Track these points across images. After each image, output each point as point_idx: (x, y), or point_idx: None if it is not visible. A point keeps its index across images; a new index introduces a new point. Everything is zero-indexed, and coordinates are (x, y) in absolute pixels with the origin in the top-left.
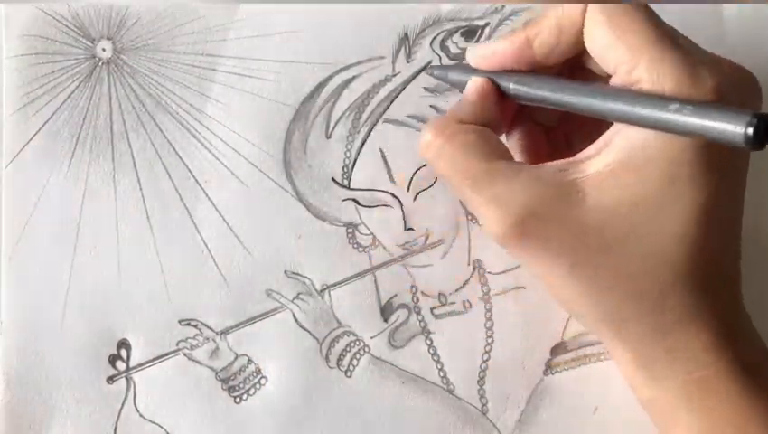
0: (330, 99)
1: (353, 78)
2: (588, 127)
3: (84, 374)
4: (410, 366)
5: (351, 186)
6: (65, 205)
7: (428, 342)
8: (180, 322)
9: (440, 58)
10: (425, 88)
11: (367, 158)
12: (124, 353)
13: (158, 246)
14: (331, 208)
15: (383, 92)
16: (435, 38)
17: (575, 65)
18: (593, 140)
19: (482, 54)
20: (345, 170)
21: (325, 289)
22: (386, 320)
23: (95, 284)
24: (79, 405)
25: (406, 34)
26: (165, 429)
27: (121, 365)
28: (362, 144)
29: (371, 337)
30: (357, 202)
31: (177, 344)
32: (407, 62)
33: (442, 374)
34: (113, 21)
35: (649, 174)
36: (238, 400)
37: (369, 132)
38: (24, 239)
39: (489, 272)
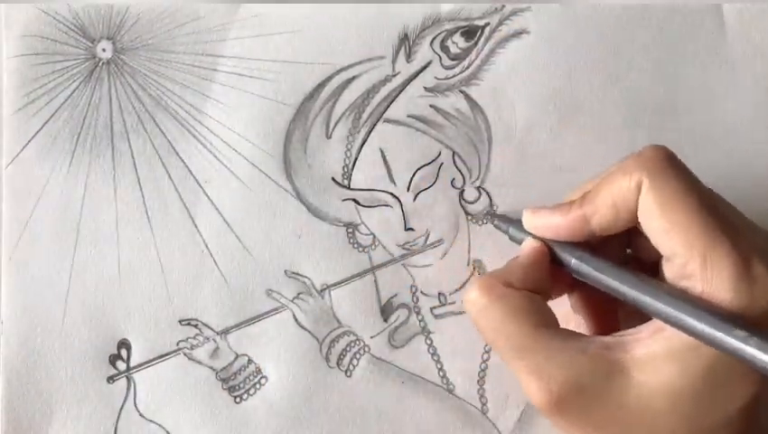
0: (330, 99)
1: (353, 78)
2: None
3: (84, 374)
4: (410, 366)
5: (351, 186)
6: (65, 205)
7: (428, 342)
8: (180, 322)
9: (440, 58)
10: (425, 88)
11: (367, 158)
12: (124, 352)
13: (158, 246)
14: (331, 208)
15: (383, 92)
16: (435, 38)
17: (632, 230)
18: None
19: (537, 225)
20: (345, 170)
21: (325, 289)
22: (386, 320)
23: (95, 284)
24: (79, 405)
25: (406, 34)
26: (166, 429)
27: (121, 365)
28: (362, 144)
29: (371, 337)
30: (357, 202)
31: (177, 344)
32: (407, 62)
33: (442, 374)
34: (113, 21)
35: (695, 366)
36: (238, 399)
37: (370, 132)
38: (25, 238)
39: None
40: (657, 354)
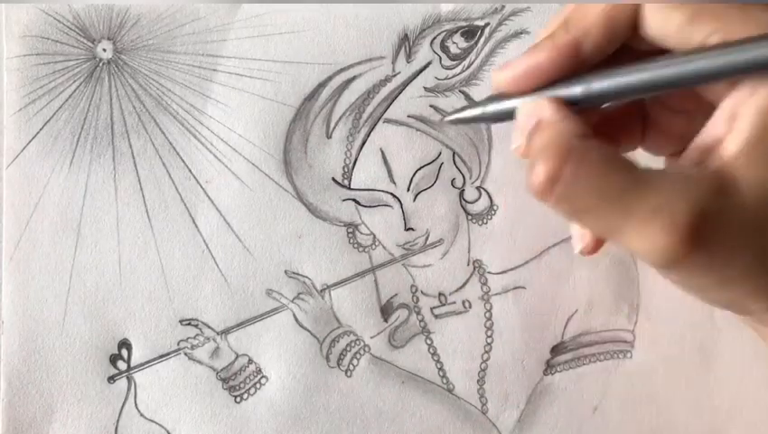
0: (330, 99)
1: (353, 78)
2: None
3: (85, 374)
4: (410, 366)
5: (352, 186)
6: (66, 205)
7: (428, 342)
8: (180, 322)
9: (440, 58)
10: (425, 88)
11: (367, 158)
12: (125, 352)
13: (159, 246)
14: (331, 208)
15: (383, 92)
16: (435, 38)
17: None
18: (685, 112)
19: (515, 75)
20: (345, 170)
21: (325, 289)
22: (386, 320)
23: (96, 284)
24: (79, 404)
25: (406, 34)
26: (166, 429)
27: (122, 365)
28: (362, 144)
29: (371, 337)
30: (357, 202)
31: (178, 344)
32: (407, 62)
33: (442, 374)
34: (113, 21)
35: None
36: (238, 399)
37: (370, 132)
38: (25, 239)
39: (489, 272)
40: (749, 143)
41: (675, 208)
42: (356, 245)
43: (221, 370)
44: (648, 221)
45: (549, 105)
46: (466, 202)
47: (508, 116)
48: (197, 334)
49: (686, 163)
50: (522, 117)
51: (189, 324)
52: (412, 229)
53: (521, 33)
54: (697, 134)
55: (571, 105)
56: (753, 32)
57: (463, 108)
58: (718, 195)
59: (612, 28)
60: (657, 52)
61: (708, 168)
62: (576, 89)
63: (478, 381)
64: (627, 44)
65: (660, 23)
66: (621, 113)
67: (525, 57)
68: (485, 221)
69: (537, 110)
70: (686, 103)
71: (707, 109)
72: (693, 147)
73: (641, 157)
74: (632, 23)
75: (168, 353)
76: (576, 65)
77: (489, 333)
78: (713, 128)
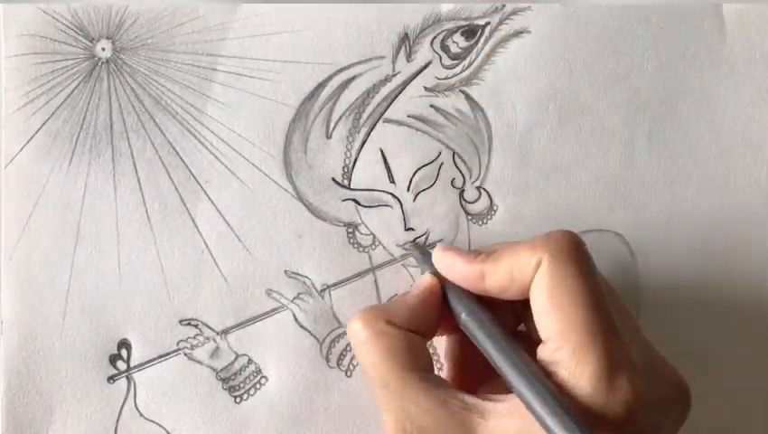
0: (330, 99)
1: (353, 78)
2: None
3: (85, 374)
4: None
5: (352, 186)
6: (65, 205)
7: (428, 342)
8: (180, 321)
9: (440, 57)
10: (425, 87)
11: (367, 158)
12: (124, 352)
13: (158, 246)
14: (331, 208)
15: (383, 92)
16: (435, 38)
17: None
18: None
19: (444, 263)
20: (345, 170)
21: (325, 289)
22: None
23: (95, 284)
24: (79, 405)
25: (406, 34)
26: (166, 429)
27: (122, 365)
28: (362, 144)
29: None
30: (357, 202)
31: (177, 344)
32: (407, 62)
33: (442, 374)
34: (112, 20)
35: None
36: (238, 399)
37: (370, 132)
38: (24, 239)
39: None
40: (506, 431)
41: (410, 417)
42: (356, 245)
43: (221, 370)
44: (388, 413)
45: (422, 291)
46: (466, 202)
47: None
48: (197, 334)
49: (464, 398)
50: (413, 290)
51: (189, 324)
52: (412, 229)
53: (522, 33)
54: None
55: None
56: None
57: (419, 247)
58: None
59: (510, 279)
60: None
61: (467, 416)
62: (460, 312)
63: None
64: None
65: (532, 299)
66: None
67: (456, 255)
68: (485, 221)
69: (422, 290)
70: None
71: None
72: (485, 397)
73: None
74: (526, 287)
75: (168, 353)
76: (482, 290)
77: None
78: (502, 397)
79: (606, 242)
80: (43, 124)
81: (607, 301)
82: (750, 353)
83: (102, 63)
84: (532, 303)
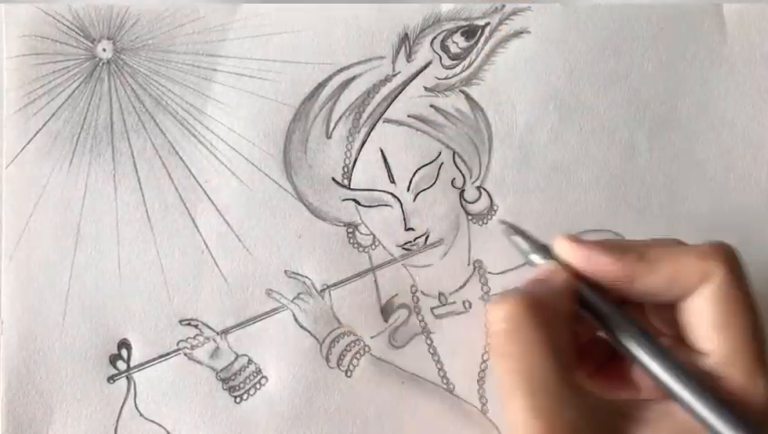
0: (330, 99)
1: (353, 78)
2: None
3: (85, 374)
4: (410, 366)
5: (352, 186)
6: (66, 205)
7: (428, 342)
8: (180, 322)
9: (440, 58)
10: (425, 87)
11: (367, 158)
12: (124, 352)
13: (158, 246)
14: (331, 208)
15: (383, 92)
16: (435, 38)
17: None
18: None
19: (579, 254)
20: (345, 170)
21: (325, 289)
22: (386, 320)
23: (95, 284)
24: (79, 405)
25: (406, 34)
26: (166, 429)
27: (122, 365)
28: (362, 144)
29: (371, 337)
30: (357, 202)
31: (177, 344)
32: (407, 62)
33: (442, 374)
34: (113, 21)
35: None
36: (238, 399)
37: (370, 132)
38: (25, 238)
39: (489, 272)
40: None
41: (561, 419)
42: (356, 245)
43: (221, 370)
44: (532, 411)
45: (566, 288)
46: (466, 202)
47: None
48: (197, 334)
49: (611, 404)
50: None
51: (189, 324)
52: (412, 229)
53: (522, 33)
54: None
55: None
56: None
57: (519, 233)
58: None
59: (670, 285)
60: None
61: (616, 421)
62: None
63: (478, 381)
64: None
65: (694, 312)
66: None
67: (597, 249)
68: (485, 221)
69: (556, 274)
70: None
71: None
72: (631, 404)
73: None
74: (689, 294)
75: (168, 353)
76: (624, 289)
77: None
78: (650, 405)
79: None
80: (44, 124)
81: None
82: None
83: (103, 64)
84: (693, 312)
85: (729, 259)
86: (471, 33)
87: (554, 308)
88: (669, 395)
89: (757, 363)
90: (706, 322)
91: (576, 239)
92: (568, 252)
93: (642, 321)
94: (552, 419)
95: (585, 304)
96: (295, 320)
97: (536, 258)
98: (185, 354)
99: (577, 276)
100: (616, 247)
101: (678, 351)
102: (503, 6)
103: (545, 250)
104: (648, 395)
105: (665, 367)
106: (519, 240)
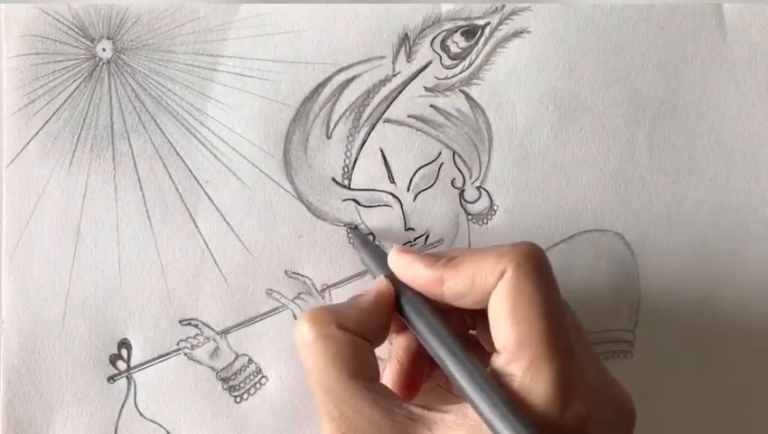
0: (330, 99)
1: (353, 78)
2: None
3: (85, 374)
4: None
5: (352, 186)
6: (66, 205)
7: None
8: (180, 321)
9: (440, 58)
10: (425, 87)
11: (367, 158)
12: (124, 352)
13: (159, 246)
14: (331, 208)
15: (383, 92)
16: (435, 38)
17: (480, 313)
18: None
19: (399, 265)
20: (345, 170)
21: (325, 289)
22: None
23: (95, 284)
24: (79, 405)
25: (406, 34)
26: (166, 429)
27: (122, 365)
28: (362, 144)
29: None
30: (357, 202)
31: (178, 344)
32: (407, 62)
33: (349, 237)
34: (113, 21)
35: None
36: (238, 399)
37: (370, 132)
38: (25, 239)
39: None
40: None
41: (352, 427)
42: (356, 245)
43: (221, 370)
44: (330, 421)
45: (377, 295)
46: (466, 202)
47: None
48: (197, 334)
49: (409, 409)
50: (367, 295)
51: (189, 324)
52: (412, 229)
53: (522, 33)
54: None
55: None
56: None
57: (363, 237)
58: None
59: (470, 286)
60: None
61: (413, 428)
62: (403, 302)
63: None
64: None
65: (490, 309)
66: None
67: (414, 258)
68: (485, 221)
69: (376, 295)
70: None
71: None
72: (430, 408)
73: None
74: (487, 295)
75: (168, 353)
76: (438, 295)
77: None
78: (450, 408)
79: (606, 242)
80: (44, 124)
81: (567, 318)
82: (750, 353)
83: (103, 64)
84: (490, 312)
85: (522, 255)
86: (471, 32)
87: (342, 322)
88: (463, 396)
89: (539, 365)
90: (499, 319)
91: (403, 250)
92: (394, 263)
93: (460, 329)
94: (341, 423)
95: (402, 311)
96: (295, 320)
97: (375, 269)
98: (185, 354)
99: (400, 284)
100: (431, 255)
101: (478, 353)
102: (503, 6)
103: (383, 261)
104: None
105: (457, 367)
106: (363, 255)
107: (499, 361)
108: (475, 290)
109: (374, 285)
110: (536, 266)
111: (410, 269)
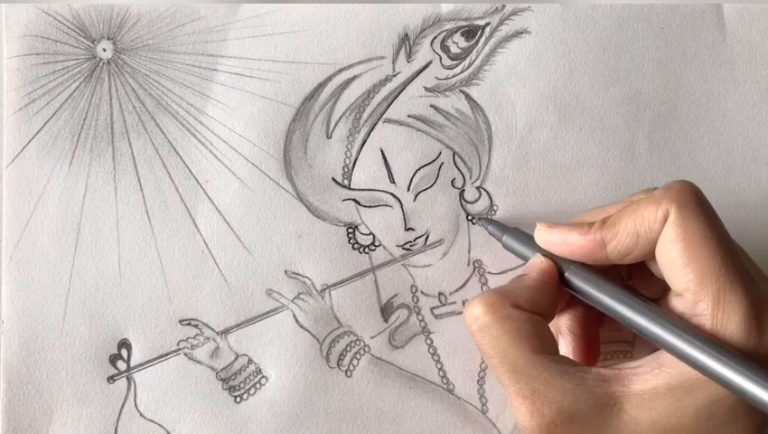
0: (330, 99)
1: (353, 78)
2: None
3: (85, 374)
4: (410, 366)
5: (352, 186)
6: (66, 205)
7: (428, 342)
8: (180, 322)
9: (440, 58)
10: (425, 88)
11: (367, 158)
12: (124, 352)
13: (159, 246)
14: (331, 208)
15: (383, 92)
16: (435, 38)
17: (635, 264)
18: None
19: (552, 240)
20: (345, 170)
21: (325, 289)
22: (386, 320)
23: (95, 284)
24: (79, 405)
25: (406, 34)
26: (166, 429)
27: (122, 365)
28: (362, 144)
29: (371, 337)
30: (357, 202)
31: (178, 344)
32: (407, 62)
33: (442, 374)
34: (113, 21)
35: (690, 405)
36: (238, 399)
37: (370, 132)
38: (25, 239)
39: (489, 272)
40: (655, 391)
41: (548, 400)
42: (356, 245)
43: (221, 370)
44: (523, 398)
45: (540, 271)
46: (466, 202)
47: (517, 253)
48: (197, 334)
49: (598, 372)
50: (529, 270)
51: (189, 324)
52: (412, 229)
53: (522, 33)
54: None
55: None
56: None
57: (492, 222)
58: (596, 411)
59: (636, 239)
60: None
61: (608, 388)
62: (566, 270)
63: (478, 381)
64: (651, 268)
65: (660, 255)
66: None
67: (566, 230)
68: (479, 223)
69: (538, 271)
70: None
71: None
72: (619, 367)
73: None
74: (655, 242)
75: (168, 353)
76: (602, 260)
77: None
78: (640, 361)
79: None
80: (44, 124)
81: (737, 247)
82: None
83: (103, 64)
84: (661, 257)
85: (681, 195)
86: (471, 33)
87: (516, 302)
88: (659, 346)
89: (728, 297)
90: (673, 262)
91: (549, 226)
92: (545, 240)
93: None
94: (534, 399)
95: (570, 284)
96: (295, 320)
97: (527, 252)
98: (185, 354)
99: (560, 260)
100: (583, 223)
101: (656, 304)
102: (503, 6)
103: (531, 242)
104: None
105: (650, 320)
106: (507, 240)
107: (683, 303)
108: (641, 243)
109: (530, 266)
110: (697, 202)
111: (565, 242)
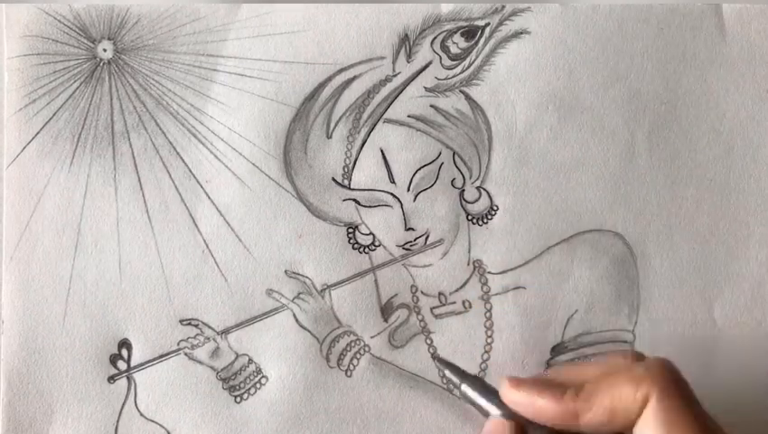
0: (330, 99)
1: (354, 78)
2: None
3: (85, 374)
4: (410, 366)
5: (352, 186)
6: (66, 205)
7: (428, 342)
8: (181, 321)
9: (440, 58)
10: (425, 88)
11: (367, 158)
12: (125, 352)
13: (159, 246)
14: (331, 208)
15: (383, 92)
16: (435, 38)
17: None
18: None
19: (519, 401)
20: (345, 170)
21: (326, 289)
22: (386, 320)
23: (96, 284)
24: (80, 404)
25: (406, 34)
26: (166, 429)
27: (122, 365)
28: (363, 144)
29: (371, 337)
30: (357, 202)
31: (178, 344)
32: (407, 62)
33: (442, 374)
34: (114, 21)
35: None
36: (238, 399)
37: (370, 132)
38: (26, 238)
39: (489, 272)
40: None
41: None
42: (356, 245)
43: (221, 370)
44: None
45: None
46: (466, 202)
47: (475, 405)
48: (197, 334)
49: None
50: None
51: (189, 324)
52: (412, 229)
53: (522, 33)
54: None
55: None
56: None
57: (451, 365)
58: None
59: (612, 416)
60: None
61: None
62: None
63: None
64: None
65: None
66: None
67: (535, 392)
68: (485, 221)
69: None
70: None
71: None
72: None
73: None
74: (632, 422)
75: (168, 353)
76: (573, 428)
77: (489, 333)
78: None
79: (606, 242)
80: (45, 124)
81: (715, 426)
82: (750, 353)
83: (104, 64)
84: None
85: (663, 377)
86: (471, 33)
87: None
88: None
89: None
90: None
91: (518, 383)
92: (511, 399)
93: None
94: None
95: None
96: (295, 320)
97: (491, 409)
98: (185, 354)
99: (525, 422)
100: (555, 386)
101: None
102: (503, 7)
103: (496, 398)
104: None
105: None
106: (465, 390)
107: None
108: (618, 419)
109: (486, 429)
110: (677, 385)
111: (534, 405)
